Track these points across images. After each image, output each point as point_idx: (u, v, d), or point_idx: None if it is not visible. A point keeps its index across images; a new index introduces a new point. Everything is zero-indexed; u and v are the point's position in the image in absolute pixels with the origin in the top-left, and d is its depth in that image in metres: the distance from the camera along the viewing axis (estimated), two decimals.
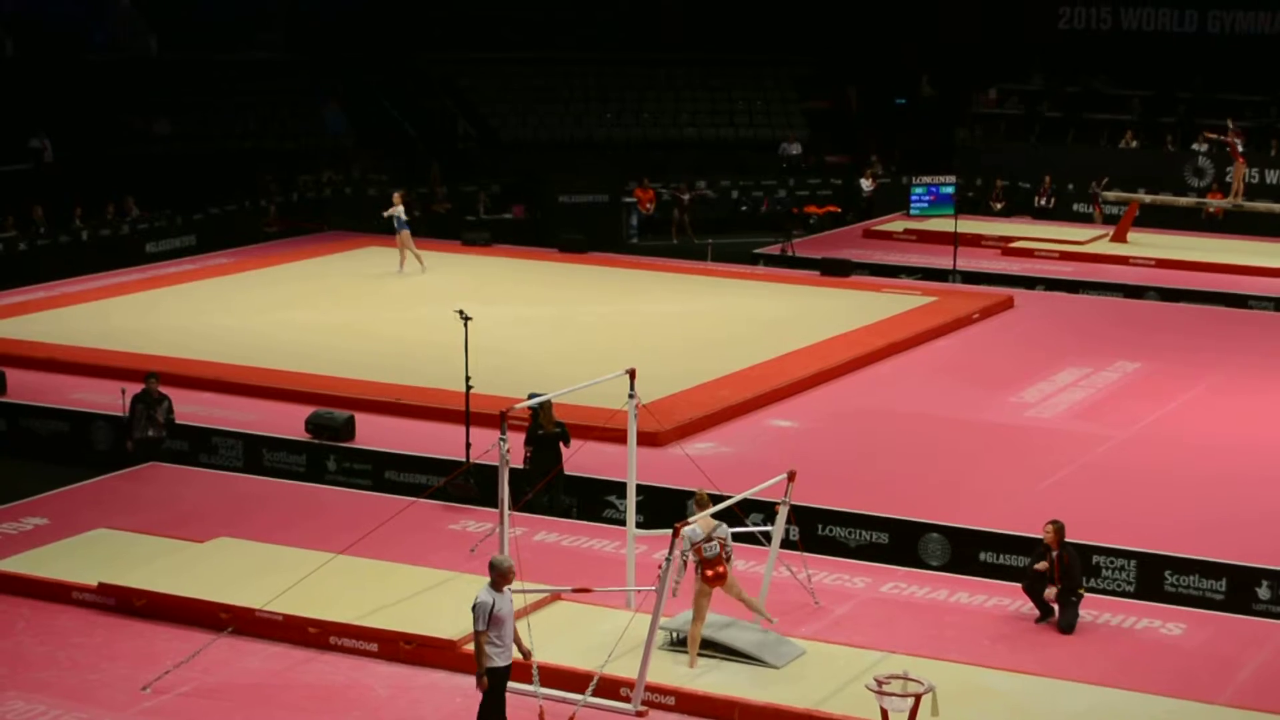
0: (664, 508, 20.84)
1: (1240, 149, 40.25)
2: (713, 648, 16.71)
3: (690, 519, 16.52)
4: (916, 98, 51.14)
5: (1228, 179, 42.41)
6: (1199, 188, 43.66)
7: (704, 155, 48.30)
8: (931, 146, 47.76)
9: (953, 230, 37.81)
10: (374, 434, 24.10)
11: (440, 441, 23.38)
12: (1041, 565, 17.83)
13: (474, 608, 14.73)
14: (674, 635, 16.94)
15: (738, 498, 17.40)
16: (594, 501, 21.91)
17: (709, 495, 17.03)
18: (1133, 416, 25.88)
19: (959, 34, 49.99)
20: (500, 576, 14.86)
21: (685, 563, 16.46)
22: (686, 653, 16.70)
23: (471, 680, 16.41)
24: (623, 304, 33.29)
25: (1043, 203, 44.96)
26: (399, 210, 35.47)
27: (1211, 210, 42.06)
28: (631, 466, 18.02)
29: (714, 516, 16.78)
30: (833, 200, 46.31)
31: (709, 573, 16.52)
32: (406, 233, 35.58)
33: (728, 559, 16.64)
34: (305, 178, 43.21)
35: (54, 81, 42.82)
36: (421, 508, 20.53)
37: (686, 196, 44.63)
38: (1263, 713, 15.78)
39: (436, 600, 17.94)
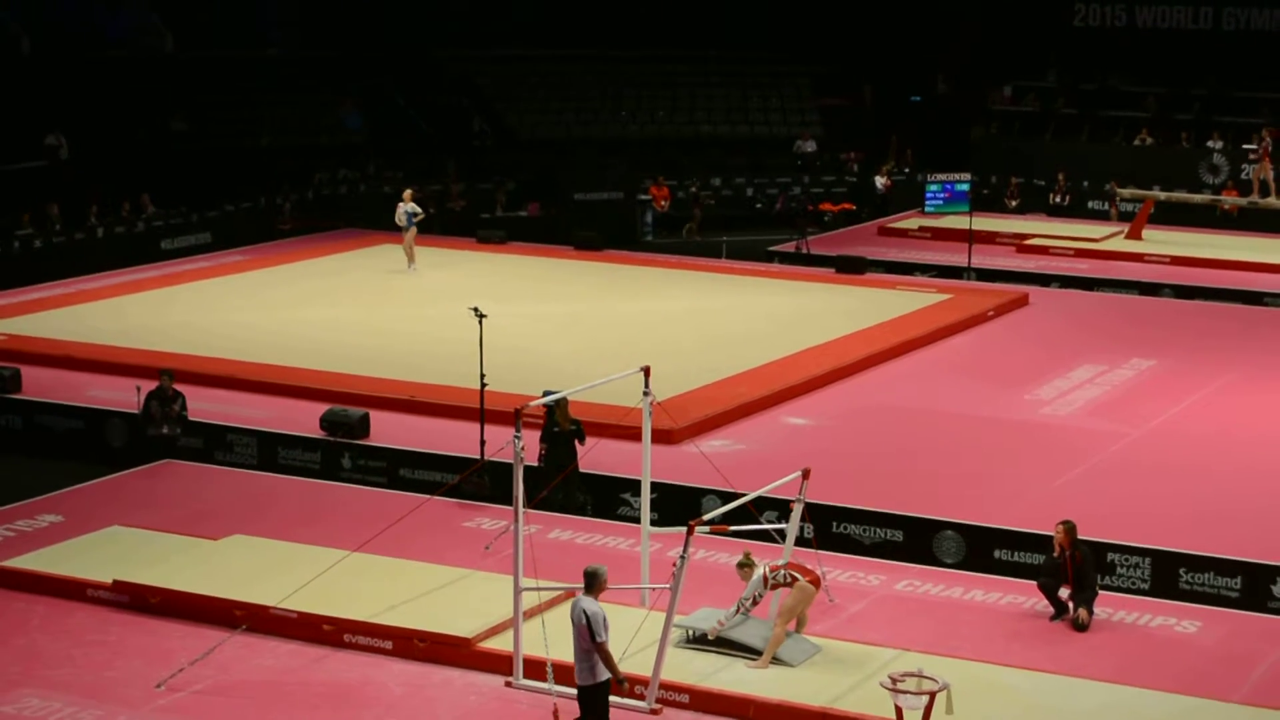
0: (679, 505, 20.83)
1: (1270, 150, 40.19)
2: (728, 645, 16.72)
3: (752, 564, 16.93)
4: (932, 95, 51.11)
5: (1244, 176, 42.35)
6: (1214, 185, 43.61)
7: (719, 153, 48.30)
8: (947, 143, 47.72)
9: (968, 227, 37.76)
10: (389, 431, 24.13)
11: (455, 439, 23.40)
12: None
13: (590, 619, 14.42)
14: (690, 633, 16.95)
15: (752, 495, 17.40)
16: (609, 499, 21.91)
17: (748, 555, 17.21)
18: (1148, 414, 25.85)
19: (974, 31, 49.93)
20: (602, 585, 14.77)
21: (758, 598, 16.77)
22: (701, 650, 16.73)
23: (486, 679, 16.47)
24: (638, 301, 33.29)
25: (1058, 200, 44.91)
26: (410, 207, 35.69)
27: (1226, 207, 42.01)
28: (646, 464, 18.01)
29: (725, 518, 16.90)
30: (848, 197, 46.32)
31: (808, 576, 16.77)
32: (413, 230, 35.73)
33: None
34: (321, 175, 43.27)
35: (70, 79, 42.88)
36: (436, 505, 20.54)
37: (694, 190, 44.77)
38: (1278, 710, 15.75)
39: (451, 598, 17.96)
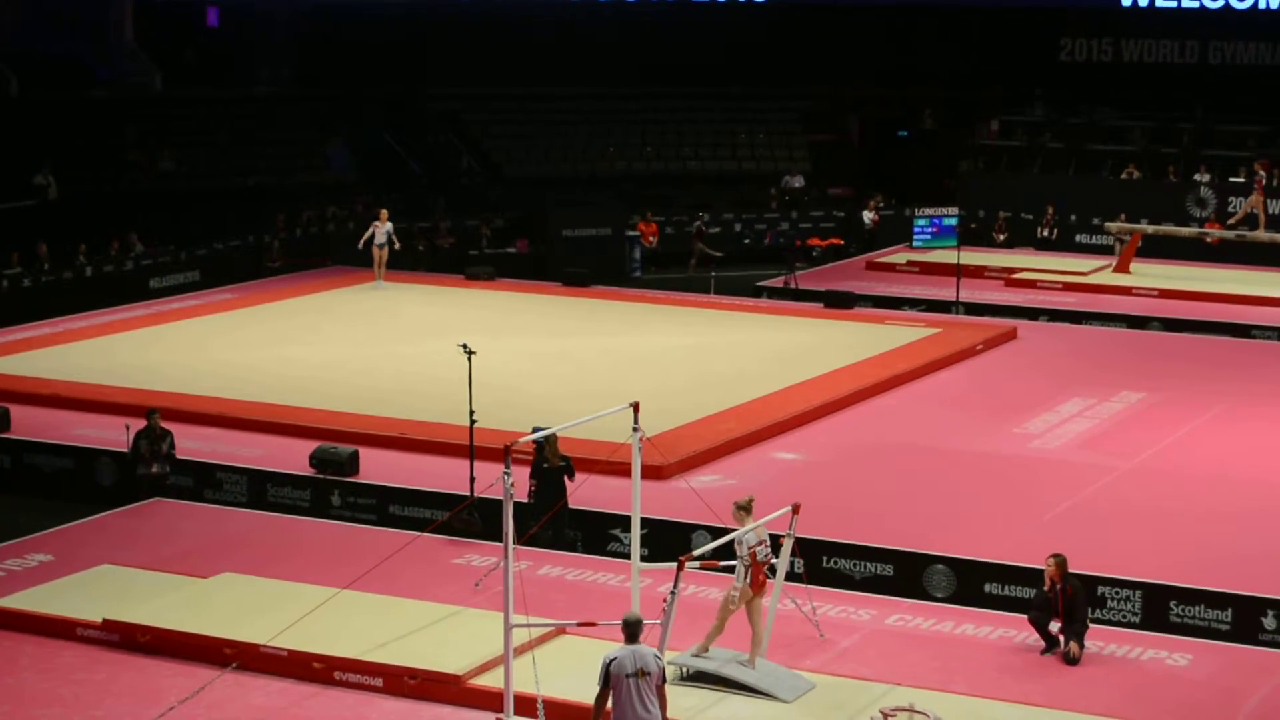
0: (669, 541, 20.81)
1: (1264, 182, 40.39)
2: (722, 682, 16.68)
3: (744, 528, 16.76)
4: (919, 130, 51.25)
5: (1230, 209, 42.48)
6: (1201, 218, 43.69)
7: (707, 188, 48.37)
8: (934, 178, 47.82)
9: (956, 262, 37.84)
10: (378, 469, 24.09)
11: (444, 476, 23.36)
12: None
13: (662, 664, 14.23)
14: (683, 670, 16.91)
15: (743, 530, 17.38)
16: (598, 535, 21.89)
17: (750, 501, 17.12)
18: (1137, 447, 25.87)
19: (962, 66, 50.14)
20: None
21: (747, 570, 16.57)
22: (694, 687, 16.69)
23: (476, 715, 16.44)
24: (626, 337, 33.30)
25: (1045, 234, 44.96)
26: (388, 227, 37.12)
27: (1210, 240, 42.04)
28: (636, 500, 17.98)
29: (716, 554, 16.85)
30: (835, 232, 46.36)
31: (760, 578, 16.65)
32: (385, 250, 37.25)
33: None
34: (309, 213, 43.27)
35: (58, 118, 42.95)
36: (426, 542, 20.50)
37: (698, 225, 44.86)
38: None
39: (441, 634, 17.93)
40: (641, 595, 18.04)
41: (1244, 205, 41.06)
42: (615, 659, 13.93)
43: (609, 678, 13.90)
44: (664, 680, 14.15)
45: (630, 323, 34.90)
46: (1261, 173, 40.61)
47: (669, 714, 14.29)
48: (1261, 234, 40.41)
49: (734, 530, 17.21)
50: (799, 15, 50.50)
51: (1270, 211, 42.28)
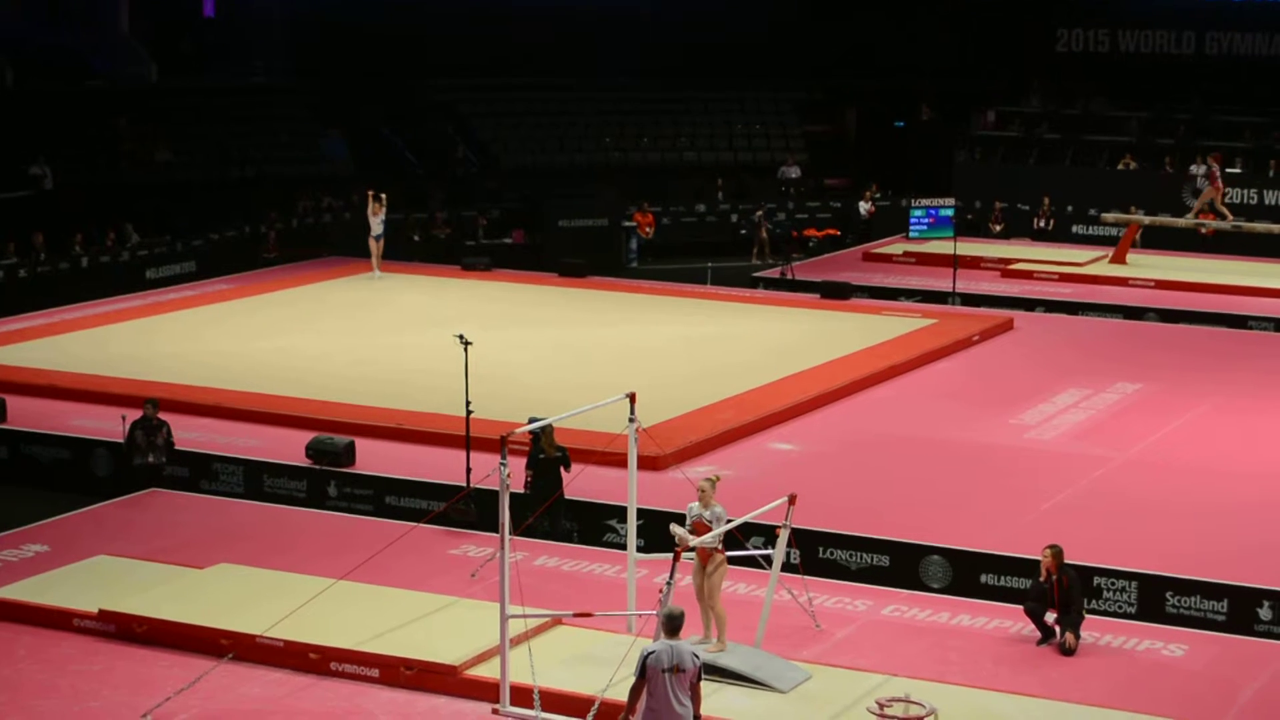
0: (665, 532, 20.69)
1: (1219, 175, 40.40)
2: (718, 673, 16.68)
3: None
4: (916, 121, 51.23)
5: (1226, 200, 42.51)
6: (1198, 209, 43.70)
7: (704, 179, 48.36)
8: (931, 169, 47.83)
9: (952, 253, 37.83)
10: (374, 459, 24.09)
11: (441, 466, 23.38)
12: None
13: (702, 663, 14.16)
14: None
15: (738, 521, 17.39)
16: (595, 526, 21.89)
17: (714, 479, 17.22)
18: (1133, 438, 25.88)
19: (957, 57, 50.14)
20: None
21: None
22: None
23: (472, 706, 16.45)
24: (623, 328, 33.29)
25: (1042, 225, 45.00)
26: (382, 216, 37.56)
27: (1204, 231, 42.03)
28: (632, 490, 18.01)
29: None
30: (832, 223, 46.39)
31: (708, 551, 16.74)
32: (381, 241, 37.76)
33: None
34: (305, 203, 43.26)
35: (54, 109, 42.92)
36: (422, 533, 20.52)
37: (759, 215, 44.82)
38: None
39: (437, 625, 17.92)
40: (637, 586, 18.08)
41: (1202, 198, 40.85)
42: (653, 653, 13.89)
43: (645, 670, 13.86)
44: (699, 678, 14.03)
45: (626, 313, 34.88)
46: (1215, 166, 40.60)
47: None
48: (1258, 224, 40.43)
49: (730, 521, 17.21)
50: (796, 6, 50.46)
51: (1268, 202, 42.38)
